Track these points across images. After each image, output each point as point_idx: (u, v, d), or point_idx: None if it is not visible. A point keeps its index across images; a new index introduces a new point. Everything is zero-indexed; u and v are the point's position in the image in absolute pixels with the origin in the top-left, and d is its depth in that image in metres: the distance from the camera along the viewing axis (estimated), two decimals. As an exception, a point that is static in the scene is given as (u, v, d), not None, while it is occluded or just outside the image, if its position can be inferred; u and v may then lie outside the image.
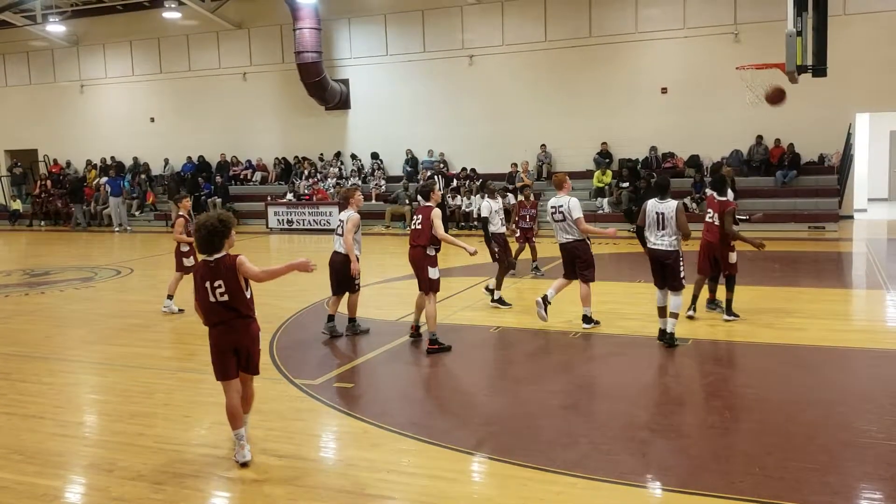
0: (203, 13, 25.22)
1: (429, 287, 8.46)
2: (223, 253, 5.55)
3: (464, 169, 22.86)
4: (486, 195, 11.38)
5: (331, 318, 9.41)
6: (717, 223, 9.41)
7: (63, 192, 27.07)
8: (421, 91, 23.87)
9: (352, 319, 9.41)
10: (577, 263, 9.28)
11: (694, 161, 20.86)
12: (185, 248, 10.96)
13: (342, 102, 24.78)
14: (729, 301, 9.55)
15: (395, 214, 22.30)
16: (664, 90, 21.28)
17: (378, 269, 15.09)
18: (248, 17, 25.99)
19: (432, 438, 5.91)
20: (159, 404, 7.04)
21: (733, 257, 9.47)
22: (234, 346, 5.61)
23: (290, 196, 23.97)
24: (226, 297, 5.50)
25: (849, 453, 5.48)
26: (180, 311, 10.97)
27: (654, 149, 21.25)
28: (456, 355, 8.52)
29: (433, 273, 8.41)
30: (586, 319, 9.42)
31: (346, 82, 24.78)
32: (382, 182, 23.96)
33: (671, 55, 21.26)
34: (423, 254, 8.45)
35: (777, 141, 20.30)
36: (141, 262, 17.35)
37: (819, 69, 12.35)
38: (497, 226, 11.08)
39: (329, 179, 24.38)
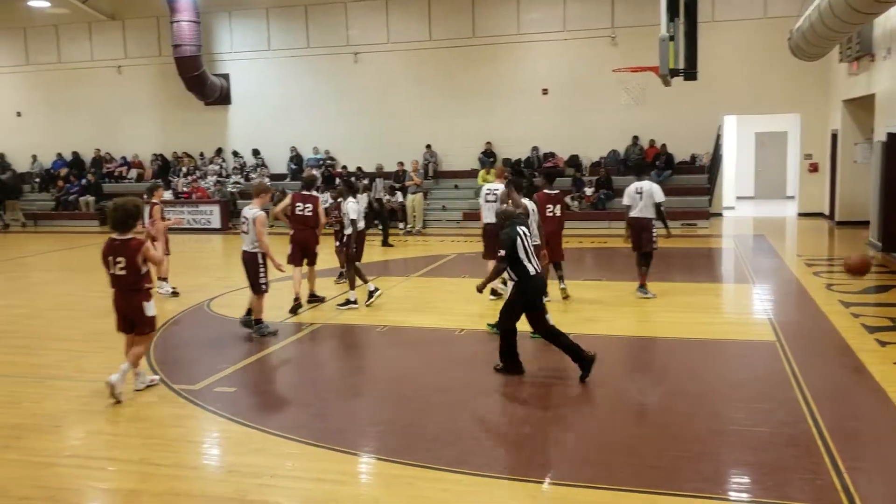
0: (73, 3, 23.92)
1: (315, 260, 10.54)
2: (130, 235, 6.74)
3: (344, 167, 22.67)
4: (351, 195, 10.64)
5: (255, 317, 9.17)
6: (558, 214, 10.48)
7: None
8: (306, 87, 23.51)
9: (257, 322, 9.14)
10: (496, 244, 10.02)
11: (574, 160, 21.51)
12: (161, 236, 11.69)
13: (223, 98, 24.07)
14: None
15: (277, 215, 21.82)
16: (545, 91, 21.82)
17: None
18: (122, 7, 24.84)
19: (317, 441, 5.84)
20: (27, 414, 6.63)
21: None
22: (123, 311, 6.87)
23: (167, 194, 23.09)
24: (123, 272, 6.69)
25: (719, 441, 5.79)
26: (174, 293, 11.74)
27: (535, 148, 21.74)
28: (341, 356, 8.47)
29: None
30: (494, 292, 10.57)
31: (226, 77, 24.09)
32: (266, 180, 23.43)
33: (552, 57, 21.82)
34: (314, 234, 10.43)
35: (652, 141, 21.19)
36: (6, 263, 16.30)
37: (690, 73, 12.95)
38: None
39: (210, 177, 23.65)
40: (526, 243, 7.32)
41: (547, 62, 21.84)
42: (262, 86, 23.89)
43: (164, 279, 11.73)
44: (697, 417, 6.29)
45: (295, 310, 10.21)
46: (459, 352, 8.60)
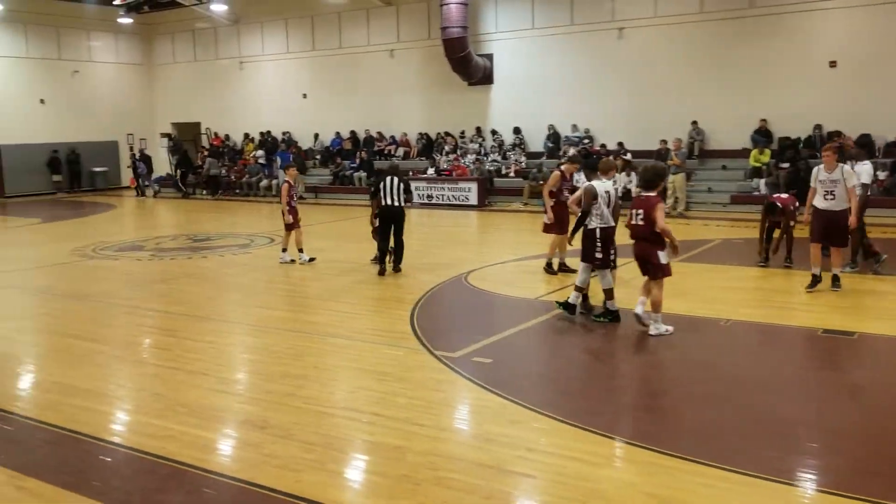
0: (354, -10, 25.84)
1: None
2: (653, 193, 7.95)
3: (603, 146, 22.24)
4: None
5: (586, 296, 9.03)
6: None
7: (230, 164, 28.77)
8: (567, 65, 23.37)
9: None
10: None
11: (864, 140, 19.35)
12: (286, 208, 12.76)
13: (485, 78, 24.68)
14: None
15: (533, 191, 22.04)
16: (833, 64, 19.77)
17: (514, 246, 15.03)
18: (398, -7, 26.37)
19: (571, 419, 5.82)
20: (308, 367, 7.33)
21: None
22: (638, 256, 8.11)
23: (430, 171, 24.25)
24: (642, 223, 7.90)
25: None
26: (292, 261, 12.90)
27: (818, 127, 19.83)
28: (594, 338, 8.36)
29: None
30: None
31: (490, 57, 24.65)
32: (523, 158, 23.79)
33: (842, 26, 19.70)
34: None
35: (962, 120, 18.47)
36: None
37: None
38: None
39: (469, 155, 24.45)
40: (389, 187, 11.43)
41: (836, 32, 19.76)
42: (524, 65, 24.15)
43: (301, 249, 13.01)
44: None
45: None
46: (725, 342, 8.15)
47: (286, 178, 13.18)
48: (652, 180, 8.07)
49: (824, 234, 9.90)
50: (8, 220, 22.42)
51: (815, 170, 10.18)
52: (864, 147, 11.31)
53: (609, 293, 8.64)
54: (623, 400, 6.49)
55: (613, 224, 8.69)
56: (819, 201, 9.93)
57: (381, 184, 11.60)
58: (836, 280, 9.95)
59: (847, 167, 9.99)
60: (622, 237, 8.72)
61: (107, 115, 31.04)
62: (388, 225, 11.66)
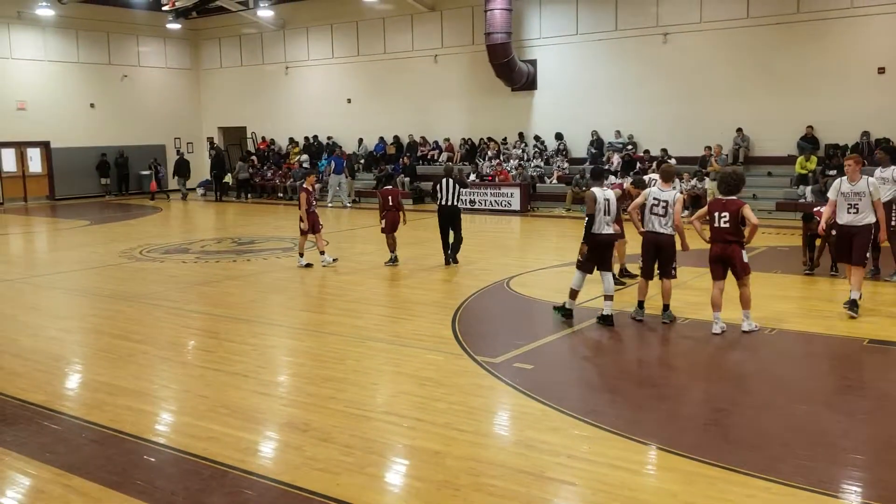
0: (399, -4, 26.00)
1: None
2: (734, 196, 8.18)
3: (647, 151, 22.00)
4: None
5: (641, 304, 9.02)
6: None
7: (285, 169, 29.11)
8: (611, 71, 23.21)
9: (666, 306, 8.93)
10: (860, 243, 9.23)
11: (901, 147, 18.87)
12: (304, 214, 12.94)
13: (528, 83, 24.63)
14: None
15: (576, 197, 21.92)
16: (881, 70, 19.32)
17: (556, 252, 14.96)
18: (441, -1, 26.47)
19: (613, 427, 5.77)
20: (350, 370, 7.38)
21: None
22: (720, 258, 8.21)
23: (473, 177, 24.24)
24: (726, 225, 8.11)
25: None
26: (334, 260, 13.37)
27: (866, 134, 19.39)
28: (638, 345, 8.28)
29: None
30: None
31: (533, 63, 24.58)
32: (565, 164, 23.66)
33: (891, 32, 19.21)
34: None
35: None
36: (335, 235, 18.24)
37: None
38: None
39: (512, 160, 24.40)
40: (446, 188, 12.72)
41: (885, 37, 19.28)
42: (568, 71, 24.03)
43: (323, 252, 13.26)
44: None
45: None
46: (770, 352, 7.99)
47: (304, 186, 13.31)
48: (736, 185, 8.29)
49: (842, 249, 9.38)
50: (58, 221, 22.99)
51: (836, 181, 9.37)
52: (890, 153, 10.82)
53: (573, 293, 8.87)
54: (665, 408, 6.40)
55: (608, 232, 8.77)
56: (840, 215, 9.23)
57: (438, 186, 12.92)
58: (853, 304, 8.92)
59: (873, 179, 9.35)
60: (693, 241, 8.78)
61: (154, 119, 31.67)
62: (447, 223, 12.92)
